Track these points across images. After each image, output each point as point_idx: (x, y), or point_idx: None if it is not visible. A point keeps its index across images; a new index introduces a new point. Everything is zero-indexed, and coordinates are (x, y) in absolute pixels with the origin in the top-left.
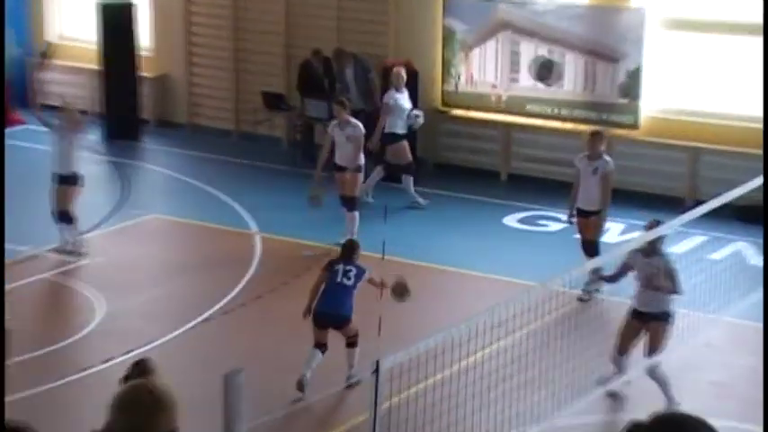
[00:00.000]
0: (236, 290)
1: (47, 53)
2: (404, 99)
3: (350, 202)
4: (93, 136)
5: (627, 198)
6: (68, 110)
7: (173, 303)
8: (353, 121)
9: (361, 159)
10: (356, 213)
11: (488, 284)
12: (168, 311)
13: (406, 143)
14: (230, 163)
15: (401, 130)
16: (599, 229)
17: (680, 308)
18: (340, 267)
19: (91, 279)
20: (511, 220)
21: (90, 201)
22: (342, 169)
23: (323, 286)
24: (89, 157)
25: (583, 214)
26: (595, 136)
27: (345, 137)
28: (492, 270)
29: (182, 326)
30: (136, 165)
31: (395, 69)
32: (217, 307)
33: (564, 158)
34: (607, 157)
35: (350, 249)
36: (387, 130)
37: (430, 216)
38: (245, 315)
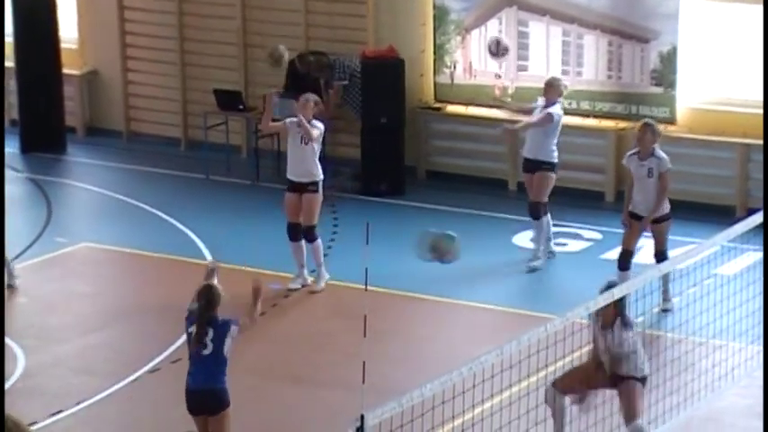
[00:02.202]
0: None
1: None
2: None
3: (310, 232)
4: (7, 148)
5: None
6: None
7: (110, 352)
8: (315, 122)
9: (320, 173)
10: (319, 243)
11: (496, 318)
12: (105, 363)
13: None
14: (178, 178)
15: None
16: (663, 237)
17: (730, 340)
18: (192, 331)
19: (8, 324)
20: (522, 239)
21: (6, 228)
22: (297, 188)
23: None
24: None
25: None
26: (645, 129)
27: (302, 138)
28: (500, 300)
29: (122, 380)
30: (61, 182)
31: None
32: (164, 355)
33: (586, 162)
34: (661, 154)
35: (205, 302)
36: None
37: None
38: None
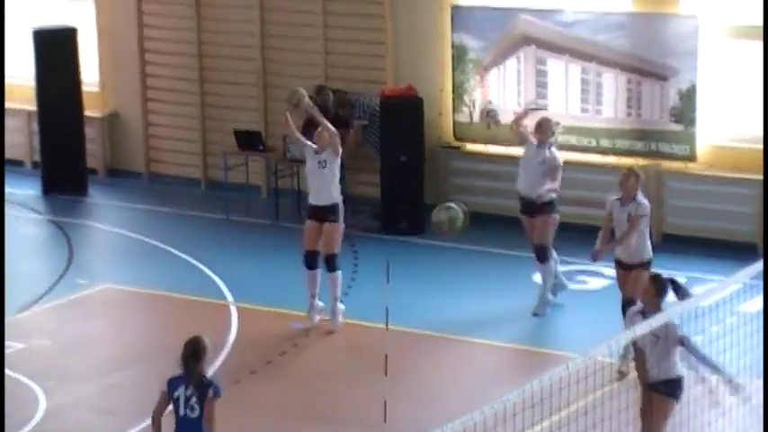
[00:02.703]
0: (209, 374)
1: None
2: None
3: (331, 261)
4: (29, 190)
5: (685, 246)
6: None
7: (131, 393)
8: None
9: (337, 197)
10: (339, 274)
11: (517, 356)
12: (126, 403)
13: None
14: (198, 218)
15: None
16: (636, 287)
17: (755, 378)
18: (180, 393)
19: (31, 367)
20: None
21: (27, 270)
22: (318, 214)
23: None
24: (24, 216)
25: (623, 267)
26: (629, 174)
27: (318, 162)
28: (521, 339)
29: (143, 420)
30: (82, 224)
31: None
32: None
33: (604, 199)
34: (642, 200)
35: (191, 357)
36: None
37: (443, 274)
38: (222, 404)
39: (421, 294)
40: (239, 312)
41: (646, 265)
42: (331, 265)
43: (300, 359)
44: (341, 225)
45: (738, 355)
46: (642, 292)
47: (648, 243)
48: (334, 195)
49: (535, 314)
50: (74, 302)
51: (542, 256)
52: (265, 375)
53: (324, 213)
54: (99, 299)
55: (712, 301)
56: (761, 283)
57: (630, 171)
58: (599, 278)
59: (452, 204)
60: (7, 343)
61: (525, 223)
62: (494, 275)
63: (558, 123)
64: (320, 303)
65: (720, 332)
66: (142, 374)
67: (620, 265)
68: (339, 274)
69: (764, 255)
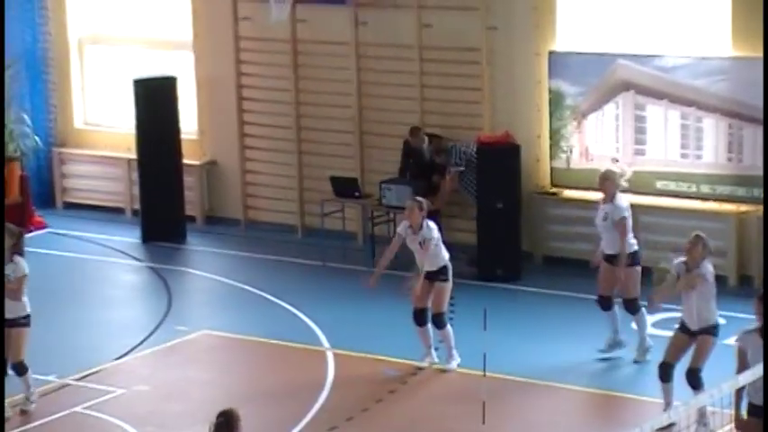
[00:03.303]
0: (306, 420)
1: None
2: None
3: (440, 319)
4: (129, 239)
5: None
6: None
7: None
8: (428, 223)
9: (445, 259)
10: (449, 328)
11: (615, 404)
12: None
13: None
14: (294, 265)
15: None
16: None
17: None
18: None
19: (130, 412)
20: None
21: (127, 316)
22: (429, 276)
23: None
24: (124, 264)
25: (689, 333)
26: (696, 244)
27: (419, 242)
28: (618, 386)
29: None
30: (181, 271)
31: None
32: None
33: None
34: (707, 266)
35: (224, 428)
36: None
37: (539, 321)
38: None
39: (518, 341)
40: (335, 358)
41: (712, 330)
42: (440, 323)
43: (397, 406)
44: (450, 284)
45: None
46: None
47: (715, 308)
48: (441, 262)
49: (636, 361)
50: (172, 349)
51: (634, 308)
52: (362, 422)
53: (434, 274)
54: (197, 345)
55: None
56: None
57: (698, 238)
58: None
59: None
60: (108, 388)
61: (606, 274)
62: (591, 322)
63: (622, 174)
64: (436, 358)
65: None
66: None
67: (686, 331)
68: (449, 329)
69: (765, 262)
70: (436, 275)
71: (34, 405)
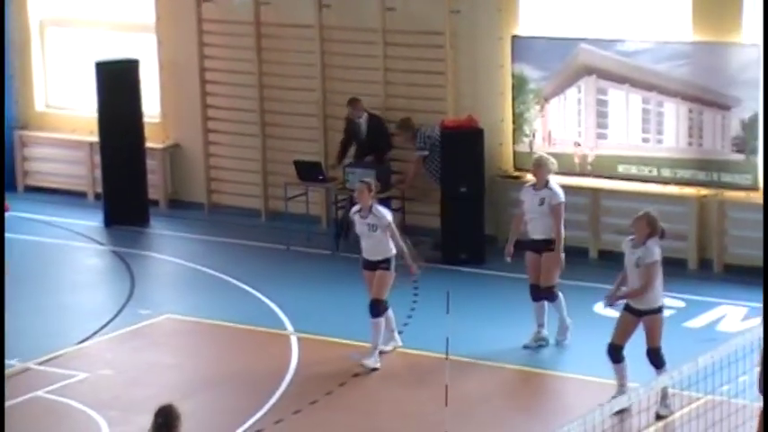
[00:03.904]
0: (270, 404)
1: None
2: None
3: (375, 306)
4: (92, 222)
5: (747, 276)
6: None
7: (192, 423)
8: (378, 209)
9: (392, 250)
10: (381, 320)
11: (579, 386)
12: None
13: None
14: (258, 249)
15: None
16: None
17: None
18: None
19: (93, 396)
20: (603, 308)
21: (90, 300)
22: (371, 266)
23: None
24: (87, 248)
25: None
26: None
27: (368, 226)
28: (582, 369)
29: None
30: (144, 255)
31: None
32: (246, 425)
33: (667, 229)
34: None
35: (164, 427)
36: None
37: (503, 305)
38: None
39: (482, 325)
40: (299, 342)
41: (657, 311)
42: (374, 310)
43: (360, 389)
44: (392, 272)
45: None
46: None
47: (660, 290)
48: (386, 251)
49: (558, 341)
50: (136, 332)
51: (552, 295)
52: (325, 405)
53: (376, 264)
54: (160, 329)
55: None
56: None
57: (644, 215)
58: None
59: None
60: (71, 372)
61: (531, 263)
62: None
63: (554, 162)
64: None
65: None
66: (203, 404)
67: (632, 311)
68: (381, 321)
69: (764, 269)
70: (377, 264)
71: None
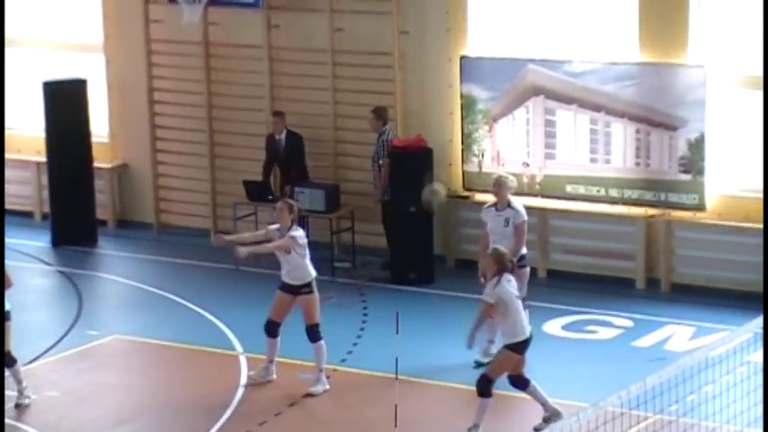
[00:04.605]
0: (219, 424)
1: None
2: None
3: (313, 331)
4: (39, 242)
5: (695, 296)
6: None
7: None
8: (296, 227)
9: (312, 272)
10: (323, 344)
11: (528, 407)
12: None
13: None
14: (207, 269)
15: None
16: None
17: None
18: None
19: (40, 417)
20: (553, 327)
21: (37, 321)
22: (291, 290)
23: None
24: (34, 268)
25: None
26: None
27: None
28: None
29: None
30: (92, 275)
31: None
32: None
33: (615, 249)
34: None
35: None
36: None
37: (452, 324)
38: None
39: (430, 344)
40: (249, 362)
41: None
42: (313, 336)
43: (310, 410)
44: (316, 295)
45: (749, 406)
46: None
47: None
48: (305, 276)
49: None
50: (83, 353)
51: None
52: (275, 426)
53: (297, 288)
54: (108, 350)
55: (723, 352)
56: None
57: (499, 180)
58: (610, 328)
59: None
60: (16, 393)
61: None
62: None
63: (513, 180)
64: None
65: (731, 382)
66: (150, 426)
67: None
68: (322, 344)
69: (764, 287)
70: (299, 289)
71: (28, 400)
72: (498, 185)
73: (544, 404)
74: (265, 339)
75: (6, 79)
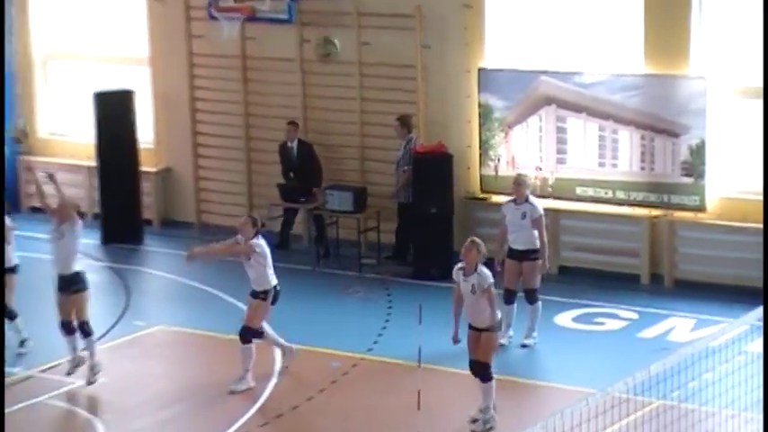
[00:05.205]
0: (255, 408)
1: (20, 137)
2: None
3: (247, 332)
4: (89, 240)
5: (696, 291)
6: (61, 206)
7: (182, 427)
8: (259, 239)
9: (272, 281)
10: (252, 347)
11: (540, 393)
12: None
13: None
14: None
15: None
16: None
17: (759, 413)
18: None
19: (90, 401)
20: (564, 319)
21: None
22: (253, 294)
23: None
24: (85, 264)
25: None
26: (471, 249)
27: (245, 259)
28: (544, 376)
29: None
30: (138, 270)
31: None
32: (234, 428)
33: (621, 247)
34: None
35: None
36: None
37: None
38: None
39: (450, 335)
40: (282, 351)
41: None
42: (246, 336)
43: (338, 395)
44: (268, 303)
45: (746, 392)
46: None
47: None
48: (263, 283)
49: (524, 345)
50: (130, 342)
51: (533, 298)
52: (306, 410)
53: (257, 293)
54: (153, 339)
55: (722, 342)
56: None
57: (472, 243)
58: (616, 320)
59: None
60: (70, 379)
61: (512, 270)
62: (520, 317)
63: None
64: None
65: (729, 370)
66: (191, 410)
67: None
68: (251, 347)
69: (764, 269)
70: (257, 294)
71: (98, 375)
72: (518, 183)
73: None
74: (240, 346)
75: (60, 90)
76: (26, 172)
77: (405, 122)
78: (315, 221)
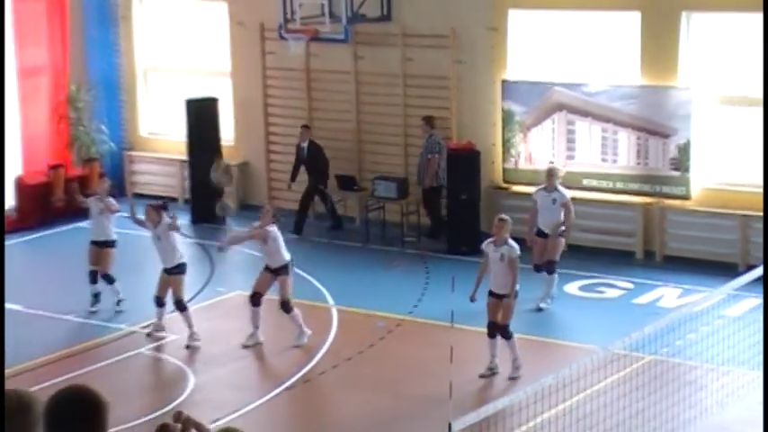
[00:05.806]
0: (316, 359)
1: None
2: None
3: (285, 306)
4: (181, 220)
5: (682, 265)
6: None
7: (257, 373)
8: (272, 227)
9: (286, 257)
10: (296, 312)
11: (552, 349)
12: (253, 381)
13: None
14: (308, 241)
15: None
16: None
17: (735, 367)
18: None
19: (183, 352)
20: (572, 288)
21: None
22: (272, 271)
23: None
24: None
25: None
26: (500, 224)
27: (267, 244)
28: (557, 335)
29: (266, 394)
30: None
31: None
32: (298, 375)
33: (620, 228)
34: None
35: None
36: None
37: None
38: (325, 382)
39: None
40: (338, 313)
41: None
42: (286, 306)
43: (384, 349)
44: (291, 276)
45: (723, 349)
46: None
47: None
48: (280, 260)
49: (540, 308)
50: (213, 305)
51: (552, 268)
52: (358, 361)
53: (277, 270)
54: (232, 303)
55: (703, 308)
56: (741, 293)
57: (502, 220)
58: (614, 289)
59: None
60: (166, 334)
61: (539, 246)
62: (536, 286)
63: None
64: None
65: (709, 331)
66: (262, 361)
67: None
68: (297, 311)
69: (765, 262)
70: (278, 270)
71: (199, 342)
72: (550, 174)
73: None
74: (250, 309)
75: (157, 97)
76: (130, 164)
77: (428, 121)
78: (322, 199)
